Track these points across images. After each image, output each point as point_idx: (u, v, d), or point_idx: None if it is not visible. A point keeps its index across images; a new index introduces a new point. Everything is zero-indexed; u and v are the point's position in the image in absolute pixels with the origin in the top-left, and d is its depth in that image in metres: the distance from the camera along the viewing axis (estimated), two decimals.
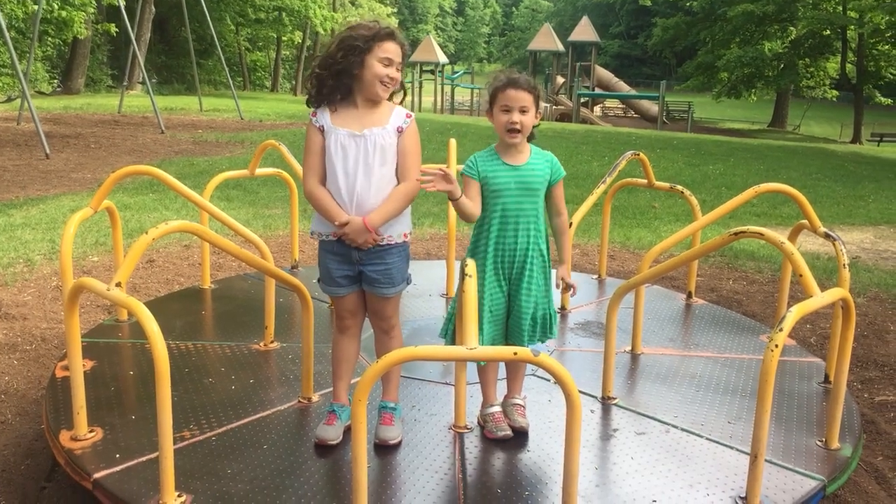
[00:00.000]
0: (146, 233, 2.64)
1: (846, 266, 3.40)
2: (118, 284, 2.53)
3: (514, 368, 3.09)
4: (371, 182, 2.74)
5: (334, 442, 2.85)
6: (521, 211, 2.86)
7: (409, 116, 2.84)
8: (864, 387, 4.31)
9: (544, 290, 2.95)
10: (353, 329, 2.98)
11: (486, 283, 2.87)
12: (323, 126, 2.79)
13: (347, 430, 2.86)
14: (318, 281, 2.96)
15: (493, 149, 2.91)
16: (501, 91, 2.82)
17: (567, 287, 2.99)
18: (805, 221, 3.82)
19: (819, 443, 2.99)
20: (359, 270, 2.83)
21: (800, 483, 2.70)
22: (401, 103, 2.91)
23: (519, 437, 2.97)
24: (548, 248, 2.97)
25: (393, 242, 2.82)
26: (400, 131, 2.79)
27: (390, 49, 2.74)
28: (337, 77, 2.77)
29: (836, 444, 2.96)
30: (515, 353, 2.16)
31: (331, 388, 3.10)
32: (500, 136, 2.87)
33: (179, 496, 2.47)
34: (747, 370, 3.73)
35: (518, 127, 2.80)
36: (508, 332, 2.96)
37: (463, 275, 2.67)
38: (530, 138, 2.92)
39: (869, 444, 3.61)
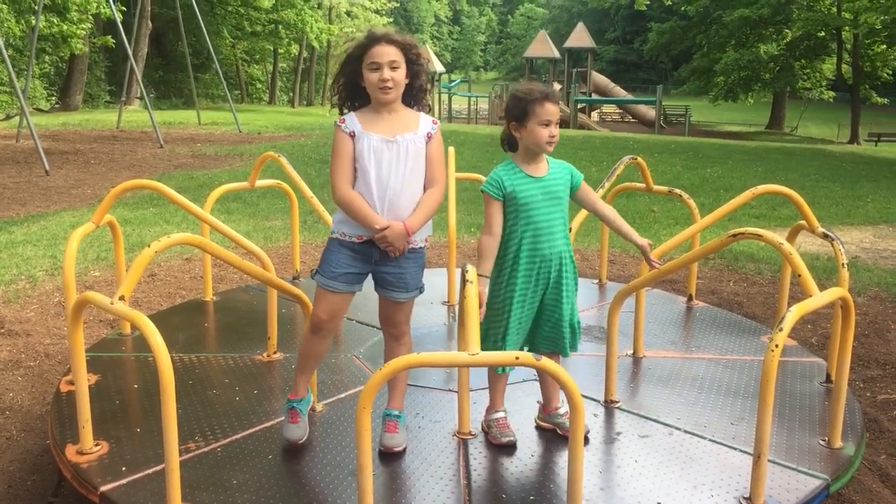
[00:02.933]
0: (149, 246, 2.66)
1: (845, 265, 3.41)
2: (122, 298, 2.55)
3: (545, 377, 3.05)
4: (403, 187, 2.77)
5: (303, 440, 2.90)
6: (553, 220, 2.86)
7: (435, 123, 2.88)
8: (866, 386, 4.32)
9: (575, 296, 2.97)
10: (326, 332, 2.90)
11: (516, 293, 2.85)
12: (354, 132, 2.79)
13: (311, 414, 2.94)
14: (315, 272, 2.86)
15: (511, 162, 2.89)
16: (539, 105, 2.79)
17: (648, 253, 2.97)
18: (803, 222, 3.83)
19: (822, 442, 3.00)
20: (370, 271, 2.84)
21: (804, 482, 2.71)
22: (424, 106, 2.92)
23: (522, 442, 2.98)
24: None
25: (417, 246, 2.87)
26: (429, 137, 2.83)
27: (375, 53, 2.74)
28: (348, 88, 2.85)
29: (838, 443, 2.97)
30: (517, 359, 2.16)
31: (335, 398, 3.11)
32: (527, 148, 2.85)
33: None
34: (749, 371, 3.74)
35: (556, 139, 2.83)
36: (539, 340, 2.96)
37: (464, 281, 2.69)
38: None
39: (872, 443, 3.62)
